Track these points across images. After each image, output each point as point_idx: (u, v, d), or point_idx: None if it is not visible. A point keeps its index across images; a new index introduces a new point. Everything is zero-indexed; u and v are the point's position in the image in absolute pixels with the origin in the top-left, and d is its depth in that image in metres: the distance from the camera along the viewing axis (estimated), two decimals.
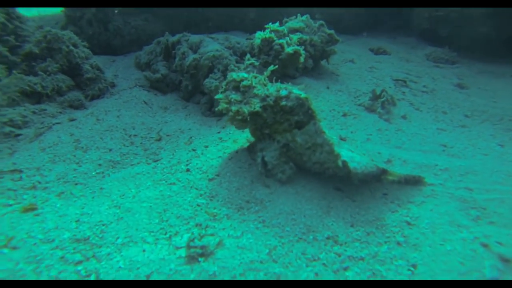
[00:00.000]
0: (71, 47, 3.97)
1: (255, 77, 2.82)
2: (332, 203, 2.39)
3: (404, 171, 2.72)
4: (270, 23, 4.45)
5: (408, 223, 2.17)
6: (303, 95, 2.52)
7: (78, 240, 1.90)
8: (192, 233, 2.02)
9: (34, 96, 3.68)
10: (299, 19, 5.28)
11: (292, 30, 5.03)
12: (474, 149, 3.23)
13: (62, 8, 5.86)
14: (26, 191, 2.38)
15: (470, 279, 1.71)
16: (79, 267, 1.72)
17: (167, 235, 2.03)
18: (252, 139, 2.99)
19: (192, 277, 1.68)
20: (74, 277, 1.66)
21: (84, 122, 3.33)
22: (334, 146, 2.40)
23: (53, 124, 3.33)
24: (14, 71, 3.61)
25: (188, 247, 1.89)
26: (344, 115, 3.86)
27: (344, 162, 2.36)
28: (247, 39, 5.40)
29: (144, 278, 1.67)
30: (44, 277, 1.63)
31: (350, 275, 1.76)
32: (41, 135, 3.19)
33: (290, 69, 4.54)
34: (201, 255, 1.84)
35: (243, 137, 3.30)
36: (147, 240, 1.98)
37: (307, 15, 5.36)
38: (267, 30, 4.42)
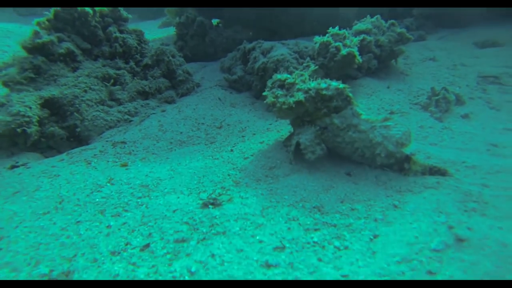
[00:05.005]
0: (170, 58, 5.26)
1: (299, 75, 3.32)
2: (335, 184, 2.72)
3: None
4: (331, 28, 4.80)
5: (395, 206, 2.34)
6: (341, 86, 2.92)
7: (142, 186, 2.87)
8: (214, 191, 2.74)
9: (144, 94, 5.08)
10: (368, 21, 5.41)
11: (358, 32, 5.22)
12: None
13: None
14: (125, 155, 3.56)
15: (414, 249, 1.86)
16: (139, 200, 2.65)
17: (198, 191, 2.80)
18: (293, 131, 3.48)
19: (200, 216, 2.39)
20: (134, 205, 2.59)
21: (170, 112, 4.48)
22: (368, 126, 2.74)
23: (151, 114, 4.59)
24: (135, 78, 5.09)
25: (208, 199, 2.61)
26: (391, 113, 3.92)
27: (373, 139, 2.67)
28: (315, 43, 5.82)
29: (172, 212, 2.47)
30: (121, 201, 2.62)
31: (315, 235, 2.14)
32: (143, 121, 4.47)
33: (348, 69, 4.78)
34: (212, 204, 2.53)
35: (286, 129, 3.84)
36: (184, 192, 2.80)
37: (378, 16, 5.41)
38: (327, 35, 4.79)
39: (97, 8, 5.12)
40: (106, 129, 4.34)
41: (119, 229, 2.30)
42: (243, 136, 3.85)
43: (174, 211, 2.48)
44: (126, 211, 2.51)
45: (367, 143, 2.75)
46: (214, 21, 7.54)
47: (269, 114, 4.78)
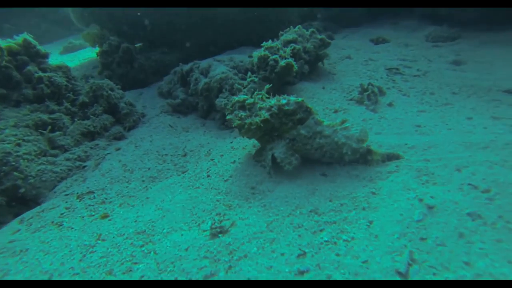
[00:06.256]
0: (109, 92, 5.01)
1: (258, 95, 3.56)
2: (317, 186, 3.10)
3: None
4: (264, 42, 5.20)
5: (373, 193, 2.84)
6: (299, 99, 3.26)
7: (138, 233, 2.80)
8: (214, 220, 2.85)
9: (90, 135, 4.74)
10: (292, 31, 5.98)
11: (286, 42, 5.74)
12: (442, 125, 3.76)
13: (96, 56, 7.04)
14: (99, 205, 3.36)
15: (404, 224, 2.36)
16: (143, 248, 2.60)
17: (197, 223, 2.87)
18: (258, 144, 3.73)
19: (215, 246, 2.50)
20: (141, 255, 2.54)
21: (126, 149, 4.30)
22: (331, 130, 3.14)
23: (106, 155, 4.34)
24: (75, 119, 4.70)
25: (211, 229, 2.71)
26: (335, 111, 4.51)
27: (338, 141, 3.08)
28: (249, 56, 6.18)
29: (185, 251, 2.51)
30: (125, 255, 2.53)
31: (324, 235, 2.47)
32: (99, 164, 4.21)
33: (287, 78, 5.25)
34: (220, 232, 2.65)
35: (250, 144, 4.08)
36: (183, 228, 2.83)
37: (299, 26, 6.04)
38: (262, 49, 5.18)
39: (3, 45, 4.58)
40: (57, 181, 3.97)
41: None
42: (212, 160, 3.97)
43: (186, 249, 2.52)
44: (136, 263, 2.45)
45: (334, 146, 3.20)
46: (137, 45, 7.30)
47: (223, 132, 4.97)
